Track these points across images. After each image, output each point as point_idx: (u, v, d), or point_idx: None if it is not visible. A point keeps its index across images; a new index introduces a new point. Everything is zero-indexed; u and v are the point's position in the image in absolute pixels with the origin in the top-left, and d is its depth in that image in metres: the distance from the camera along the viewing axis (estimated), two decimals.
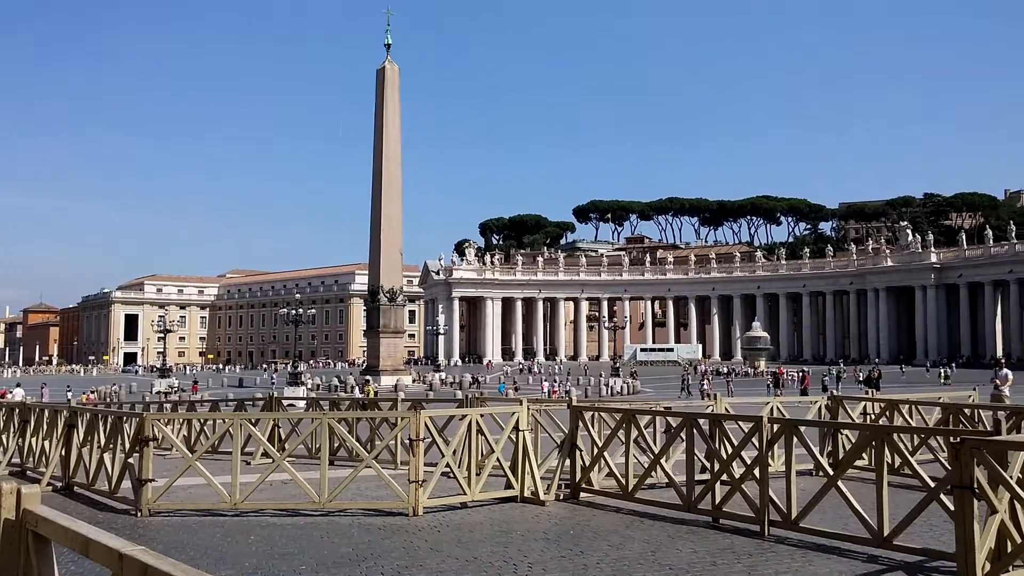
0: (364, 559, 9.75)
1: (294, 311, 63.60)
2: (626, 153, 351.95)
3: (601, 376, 75.89)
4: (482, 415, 14.36)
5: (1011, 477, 8.13)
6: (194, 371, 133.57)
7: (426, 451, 14.86)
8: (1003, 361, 30.88)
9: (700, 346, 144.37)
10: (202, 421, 21.88)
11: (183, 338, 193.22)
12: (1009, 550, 7.98)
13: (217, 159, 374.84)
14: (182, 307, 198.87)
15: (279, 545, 10.47)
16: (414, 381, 64.69)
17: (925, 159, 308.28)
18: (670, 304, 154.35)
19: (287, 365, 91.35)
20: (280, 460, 13.26)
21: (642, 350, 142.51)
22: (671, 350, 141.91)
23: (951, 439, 8.65)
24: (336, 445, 18.80)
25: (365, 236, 63.21)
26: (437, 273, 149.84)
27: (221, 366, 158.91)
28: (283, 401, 28.46)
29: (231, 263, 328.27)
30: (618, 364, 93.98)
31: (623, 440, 13.53)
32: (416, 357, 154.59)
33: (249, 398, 27.64)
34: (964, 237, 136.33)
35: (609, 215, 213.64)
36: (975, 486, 7.85)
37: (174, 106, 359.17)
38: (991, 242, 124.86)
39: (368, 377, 58.90)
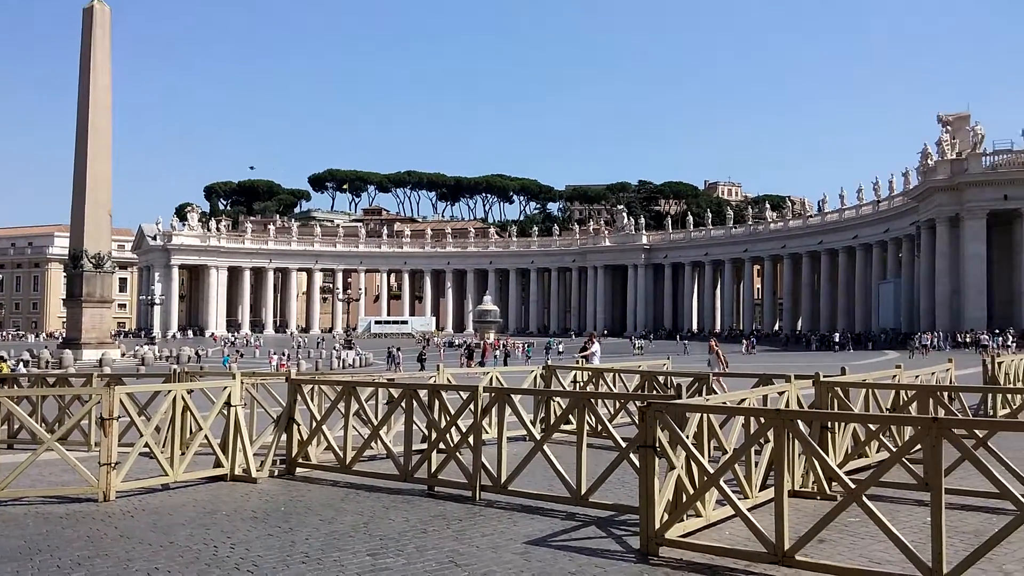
0: (38, 551, 8.67)
1: None
2: (366, 123, 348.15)
3: (334, 349, 74.70)
4: (190, 390, 13.39)
5: (688, 436, 9.03)
6: None
7: (126, 431, 13.61)
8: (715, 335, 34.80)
9: (434, 319, 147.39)
10: None
11: None
12: (684, 501, 8.85)
13: None
14: None
15: None
16: (124, 355, 59.37)
17: (640, 149, 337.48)
18: (406, 277, 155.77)
19: None
20: None
21: (377, 322, 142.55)
22: (405, 323, 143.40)
23: (639, 403, 9.43)
24: (18, 427, 16.65)
25: (66, 194, 56.69)
26: (154, 238, 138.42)
27: None
28: None
29: None
30: (351, 336, 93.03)
31: (344, 413, 13.29)
32: (128, 329, 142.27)
33: None
34: (670, 222, 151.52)
35: (347, 185, 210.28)
36: (657, 445, 8.59)
37: None
38: (691, 227, 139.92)
39: (2, 353, 52.50)
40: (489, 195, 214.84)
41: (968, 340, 71.12)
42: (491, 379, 16.80)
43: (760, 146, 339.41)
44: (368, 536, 9.27)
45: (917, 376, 15.81)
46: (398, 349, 63.17)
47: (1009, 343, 64.34)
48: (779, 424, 8.21)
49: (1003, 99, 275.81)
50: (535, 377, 18.26)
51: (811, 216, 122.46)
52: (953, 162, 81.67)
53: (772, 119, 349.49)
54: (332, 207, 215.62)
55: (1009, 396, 18.17)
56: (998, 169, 79.38)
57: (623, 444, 10.30)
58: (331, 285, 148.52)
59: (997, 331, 70.51)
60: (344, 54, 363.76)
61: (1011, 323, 75.07)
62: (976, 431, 10.37)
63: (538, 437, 11.38)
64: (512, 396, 12.05)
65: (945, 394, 13.76)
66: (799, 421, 9.08)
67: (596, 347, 29.03)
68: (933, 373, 16.81)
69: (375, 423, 13.23)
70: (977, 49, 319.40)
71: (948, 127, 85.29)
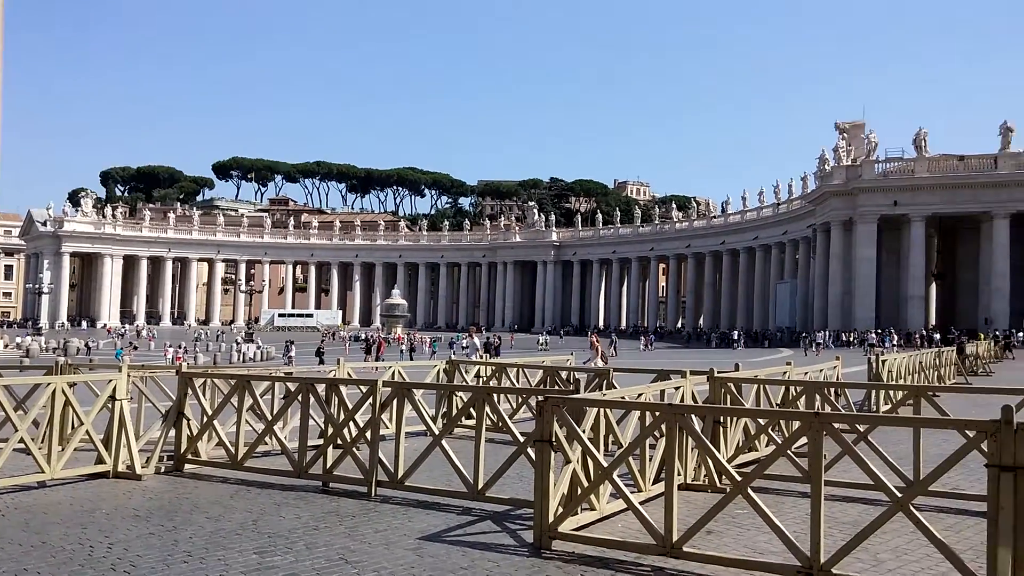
0: None
1: None
2: (274, 112, 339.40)
3: (235, 342, 72.57)
4: (72, 384, 12.71)
5: (585, 431, 9.09)
6: None
7: (1, 426, 12.81)
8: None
9: (341, 312, 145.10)
10: None
11: None
12: (579, 494, 8.91)
13: None
14: None
15: None
16: (7, 346, 56.18)
17: (553, 147, 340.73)
18: (312, 269, 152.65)
19: None
20: None
21: (280, 315, 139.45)
22: (311, 316, 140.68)
23: (536, 398, 9.45)
24: None
25: None
26: (44, 224, 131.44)
27: None
28: None
29: None
30: (252, 329, 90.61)
31: (237, 408, 12.86)
32: (13, 320, 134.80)
33: None
34: (580, 219, 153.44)
35: (252, 174, 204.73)
36: (553, 440, 8.61)
37: None
38: (600, 225, 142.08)
39: None
40: (400, 188, 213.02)
41: (852, 339, 74.51)
42: (393, 373, 16.58)
43: (668, 147, 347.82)
44: (256, 534, 8.98)
45: (806, 373, 16.42)
46: (291, 342, 60.93)
47: (894, 343, 67.78)
48: (672, 419, 8.34)
49: (897, 108, 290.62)
50: (438, 372, 18.13)
51: (715, 217, 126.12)
52: (848, 168, 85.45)
53: (680, 121, 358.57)
54: (237, 196, 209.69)
55: (891, 392, 19.10)
56: (889, 176, 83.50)
57: (521, 439, 10.30)
58: (233, 276, 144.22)
59: (879, 331, 74.18)
60: (253, 40, 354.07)
61: (897, 324, 79.13)
62: (858, 426, 10.82)
63: (437, 432, 11.28)
64: (412, 391, 11.91)
65: (832, 390, 14.32)
66: (692, 416, 9.27)
67: (476, 341, 29.04)
68: (821, 370, 17.49)
69: (270, 418, 12.85)
70: (874, 58, 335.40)
71: (844, 134, 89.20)
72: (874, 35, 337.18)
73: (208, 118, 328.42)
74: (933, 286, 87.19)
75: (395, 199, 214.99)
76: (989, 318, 76.22)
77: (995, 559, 6.19)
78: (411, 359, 52.56)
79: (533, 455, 9.31)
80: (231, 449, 12.48)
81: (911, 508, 6.84)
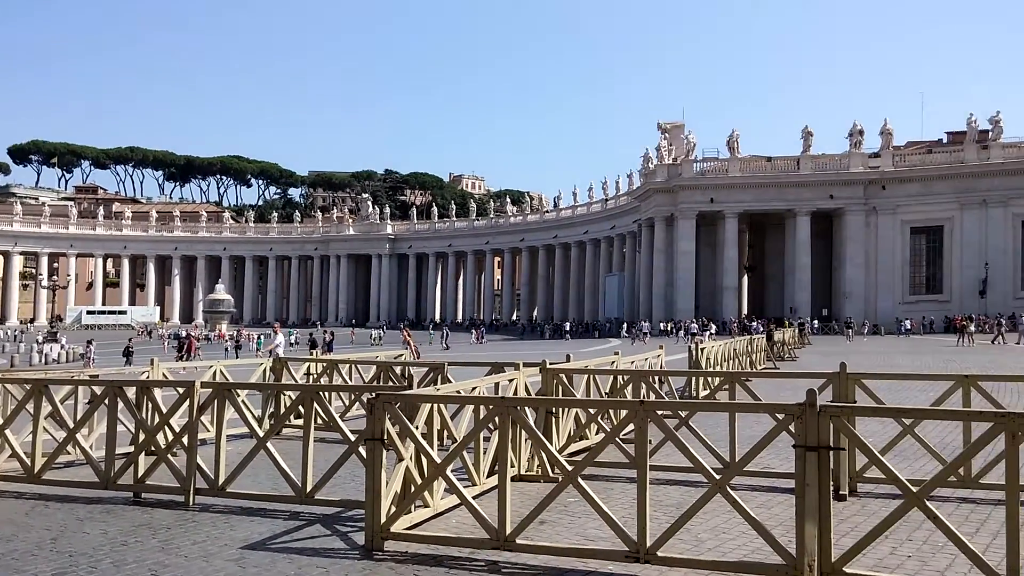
0: None
1: None
2: (79, 90, 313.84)
3: (36, 342, 66.56)
4: None
5: (418, 427, 8.92)
6: None
7: None
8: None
9: (158, 308, 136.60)
10: None
11: None
12: (412, 492, 8.74)
13: None
14: None
15: None
16: None
17: (388, 138, 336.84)
18: (126, 263, 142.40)
19: None
20: None
21: (89, 312, 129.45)
22: (124, 313, 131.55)
23: (367, 395, 9.17)
24: None
25: None
26: None
27: None
28: None
29: None
30: (56, 328, 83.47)
31: (33, 415, 11.66)
32: None
33: None
34: (415, 212, 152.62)
35: (55, 159, 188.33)
36: (385, 438, 8.38)
37: None
38: (436, 218, 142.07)
39: None
40: (224, 177, 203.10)
41: (670, 328, 78.05)
42: (214, 373, 15.68)
43: (503, 143, 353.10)
44: (56, 553, 8.15)
45: (632, 362, 17.04)
46: (90, 341, 56.13)
47: (712, 332, 72.19)
48: (505, 412, 8.33)
49: (713, 110, 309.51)
50: (264, 370, 17.33)
51: (547, 212, 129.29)
52: (670, 167, 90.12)
53: (515, 117, 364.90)
54: (37, 183, 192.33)
55: (709, 379, 20.22)
56: (706, 175, 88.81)
57: (352, 437, 9.97)
58: (34, 270, 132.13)
59: (688, 320, 78.76)
60: (59, 12, 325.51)
61: (714, 313, 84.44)
62: (680, 412, 11.31)
63: (262, 434, 10.72)
64: (234, 391, 11.27)
65: (656, 378, 14.93)
66: (525, 408, 9.32)
67: (279, 339, 28.28)
68: (646, 359, 18.23)
69: (72, 426, 11.76)
70: (694, 60, 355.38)
71: (666, 134, 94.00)
72: (691, 40, 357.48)
73: (4, 97, 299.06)
74: (745, 278, 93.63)
75: (219, 189, 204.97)
76: (793, 307, 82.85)
77: (803, 533, 6.59)
78: (236, 356, 50.25)
79: (364, 454, 9.03)
80: (26, 461, 11.31)
81: (728, 489, 7.17)
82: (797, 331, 56.53)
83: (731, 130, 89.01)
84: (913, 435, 10.47)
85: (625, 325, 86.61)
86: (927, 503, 6.39)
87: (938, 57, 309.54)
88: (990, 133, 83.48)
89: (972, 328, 55.47)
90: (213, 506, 10.12)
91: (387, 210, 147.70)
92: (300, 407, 12.28)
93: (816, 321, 76.92)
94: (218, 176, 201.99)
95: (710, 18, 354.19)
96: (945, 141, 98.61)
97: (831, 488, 6.90)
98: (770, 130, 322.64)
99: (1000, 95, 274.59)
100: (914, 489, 6.47)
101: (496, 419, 8.47)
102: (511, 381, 12.19)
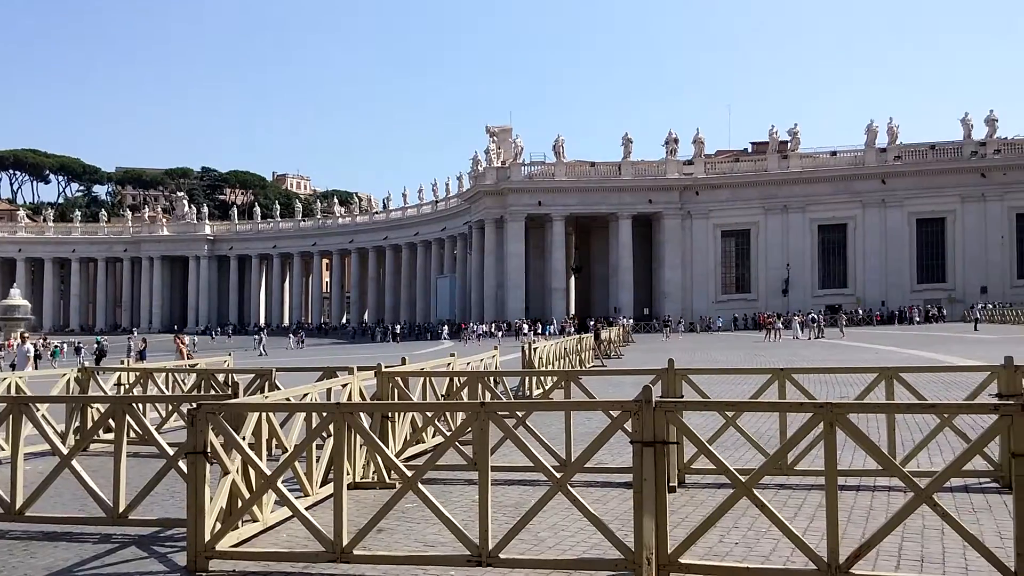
0: None
1: None
2: None
3: None
4: None
5: (245, 438, 8.36)
6: None
7: None
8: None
9: None
10: None
11: None
12: (240, 507, 8.18)
13: None
14: None
15: None
16: None
17: (204, 134, 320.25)
18: None
19: None
20: None
21: None
22: None
23: (189, 405, 8.50)
24: None
25: None
26: None
27: None
28: None
29: None
30: None
31: None
32: None
33: None
34: (236, 212, 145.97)
35: None
36: (208, 450, 7.79)
37: None
38: (259, 219, 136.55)
39: None
40: (18, 172, 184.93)
41: (492, 330, 78.37)
42: (9, 386, 14.11)
43: (330, 142, 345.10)
44: None
45: (468, 363, 16.99)
46: None
47: (553, 330, 73.91)
48: (339, 418, 7.96)
49: (541, 114, 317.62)
50: (68, 381, 15.80)
51: (377, 213, 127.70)
52: (499, 170, 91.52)
53: (342, 117, 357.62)
54: None
55: (543, 378, 20.57)
56: (534, 178, 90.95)
57: (171, 451, 9.21)
58: None
59: (540, 320, 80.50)
60: None
61: (544, 314, 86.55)
62: (518, 412, 11.33)
63: (66, 451, 9.70)
64: (32, 405, 10.14)
65: (492, 379, 14.94)
66: (361, 413, 8.98)
67: (28, 347, 26.51)
68: (482, 360, 18.25)
69: None
70: (522, 65, 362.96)
71: (495, 137, 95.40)
72: (519, 45, 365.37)
73: None
74: (572, 279, 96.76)
75: (12, 185, 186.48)
76: (618, 307, 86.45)
77: (641, 527, 6.71)
78: (35, 367, 45.86)
79: (185, 469, 8.37)
80: None
81: (568, 487, 7.20)
82: (622, 330, 58.99)
83: (557, 135, 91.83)
84: (735, 426, 11.05)
85: (458, 326, 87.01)
86: (755, 492, 6.68)
87: (743, 69, 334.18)
88: (789, 144, 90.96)
89: (779, 325, 60.10)
90: (10, 532, 9.05)
91: (205, 209, 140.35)
92: (111, 420, 11.25)
93: (630, 320, 79.46)
94: (11, 171, 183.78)
95: (538, 23, 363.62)
96: (750, 151, 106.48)
97: (666, 480, 7.08)
98: (593, 136, 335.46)
99: (798, 107, 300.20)
100: (743, 479, 6.75)
101: (331, 426, 8.09)
102: (345, 386, 11.76)
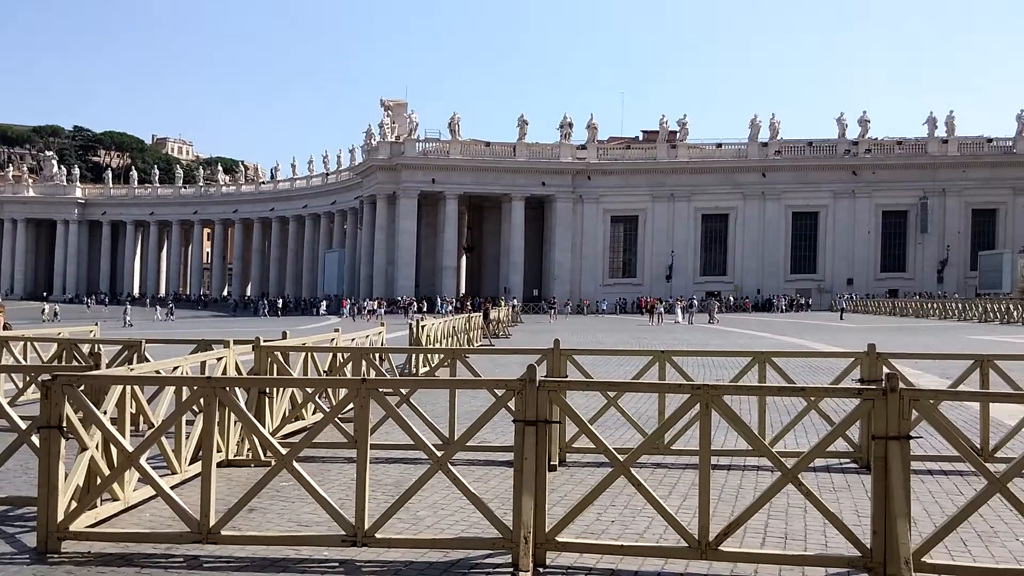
0: None
1: None
2: None
3: None
4: None
5: (107, 412, 7.85)
6: None
7: None
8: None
9: None
10: None
11: None
12: (98, 484, 7.70)
13: None
14: None
15: None
16: None
17: (77, 90, 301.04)
18: None
19: None
20: None
21: None
22: None
23: (43, 376, 7.91)
24: None
25: None
26: None
27: None
28: None
29: None
30: None
31: None
32: None
33: None
34: (111, 176, 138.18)
35: None
36: (64, 424, 7.26)
37: None
38: (136, 183, 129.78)
39: None
40: None
41: (376, 307, 76.04)
42: None
43: (214, 107, 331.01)
44: None
45: (353, 339, 16.63)
46: None
47: (449, 308, 73.52)
48: (210, 392, 7.57)
49: (437, 91, 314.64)
50: None
51: (264, 183, 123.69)
52: (393, 145, 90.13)
53: (229, 82, 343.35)
54: None
55: (430, 357, 20.40)
56: (429, 155, 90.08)
57: (23, 425, 8.57)
58: None
59: (442, 298, 79.84)
60: None
61: (434, 292, 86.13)
62: (402, 389, 11.15)
63: None
64: None
65: (377, 355, 14.66)
66: (236, 388, 8.60)
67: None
68: (367, 336, 17.91)
69: None
70: (419, 40, 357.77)
71: (389, 112, 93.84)
72: (416, 18, 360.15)
73: None
74: (464, 258, 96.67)
75: None
76: (508, 287, 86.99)
77: (520, 506, 6.68)
78: None
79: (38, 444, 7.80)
80: None
81: (449, 466, 7.10)
82: (511, 310, 59.41)
83: (453, 113, 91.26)
84: (616, 406, 11.22)
85: (337, 303, 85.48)
86: (632, 471, 6.77)
87: (638, 58, 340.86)
88: (678, 134, 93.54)
89: (661, 309, 61.89)
90: None
91: (76, 171, 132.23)
92: None
93: (516, 300, 79.85)
94: None
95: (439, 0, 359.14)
96: (641, 139, 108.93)
97: (546, 459, 7.08)
98: (489, 116, 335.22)
99: (688, 98, 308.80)
100: (621, 458, 6.82)
101: (201, 401, 7.69)
102: (220, 360, 11.25)
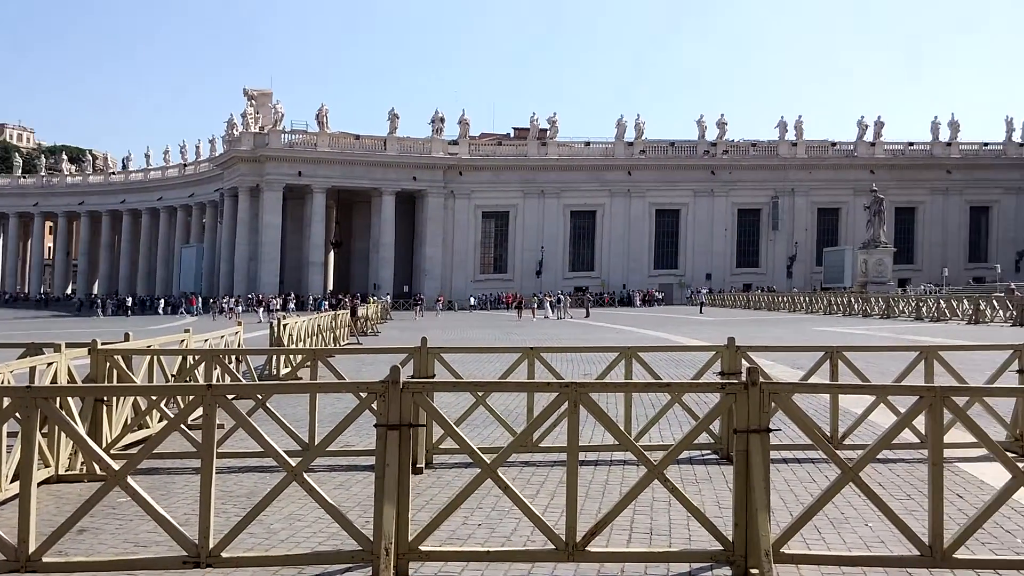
0: None
1: None
2: None
3: None
4: None
5: None
6: None
7: None
8: None
9: None
10: None
11: None
12: None
13: None
14: None
15: None
16: None
17: None
18: None
19: None
20: None
21: None
22: None
23: None
24: None
25: None
26: None
27: None
28: None
29: None
30: None
31: None
32: None
33: None
34: None
35: None
36: None
37: None
38: None
39: None
40: None
41: (233, 305, 73.28)
42: None
43: (59, 93, 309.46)
44: None
45: (206, 340, 15.66)
46: None
47: (326, 307, 71.14)
48: (30, 403, 6.77)
49: (304, 82, 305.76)
50: None
51: (114, 173, 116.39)
52: (256, 135, 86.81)
53: (77, 63, 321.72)
54: None
55: (292, 356, 19.55)
56: (295, 147, 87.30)
57: None
58: None
59: (271, 296, 77.37)
60: None
61: (300, 289, 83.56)
62: (258, 395, 10.50)
63: None
64: None
65: (232, 357, 13.83)
66: (67, 398, 7.79)
67: None
68: (223, 337, 16.93)
69: None
70: (284, 29, 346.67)
71: (253, 101, 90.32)
72: (283, 7, 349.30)
73: None
74: (332, 253, 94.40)
75: None
76: (377, 283, 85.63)
77: (381, 515, 6.32)
78: None
79: None
80: None
81: (304, 476, 6.64)
82: (380, 306, 58.40)
83: (320, 104, 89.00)
84: (485, 405, 11.00)
85: (206, 300, 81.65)
86: (499, 472, 6.53)
87: (509, 55, 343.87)
88: (548, 132, 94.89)
89: (534, 304, 62.49)
90: None
91: None
92: None
93: (388, 296, 78.88)
94: None
95: None
96: (512, 136, 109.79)
97: (410, 464, 6.75)
98: (359, 109, 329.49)
99: (557, 96, 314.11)
100: (488, 459, 6.57)
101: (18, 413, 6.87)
102: (49, 365, 10.23)
